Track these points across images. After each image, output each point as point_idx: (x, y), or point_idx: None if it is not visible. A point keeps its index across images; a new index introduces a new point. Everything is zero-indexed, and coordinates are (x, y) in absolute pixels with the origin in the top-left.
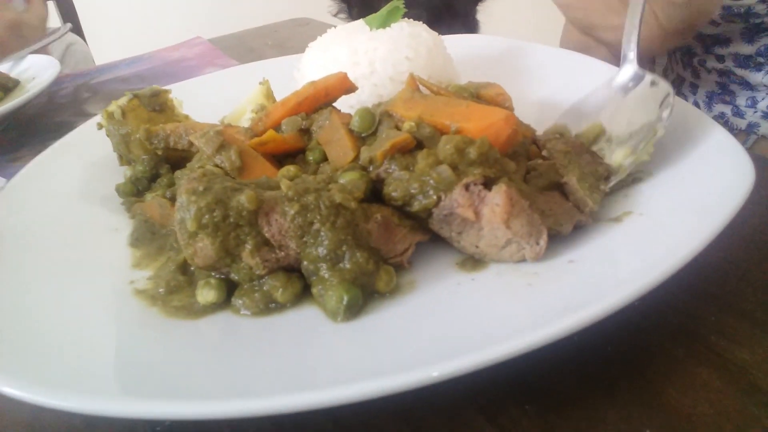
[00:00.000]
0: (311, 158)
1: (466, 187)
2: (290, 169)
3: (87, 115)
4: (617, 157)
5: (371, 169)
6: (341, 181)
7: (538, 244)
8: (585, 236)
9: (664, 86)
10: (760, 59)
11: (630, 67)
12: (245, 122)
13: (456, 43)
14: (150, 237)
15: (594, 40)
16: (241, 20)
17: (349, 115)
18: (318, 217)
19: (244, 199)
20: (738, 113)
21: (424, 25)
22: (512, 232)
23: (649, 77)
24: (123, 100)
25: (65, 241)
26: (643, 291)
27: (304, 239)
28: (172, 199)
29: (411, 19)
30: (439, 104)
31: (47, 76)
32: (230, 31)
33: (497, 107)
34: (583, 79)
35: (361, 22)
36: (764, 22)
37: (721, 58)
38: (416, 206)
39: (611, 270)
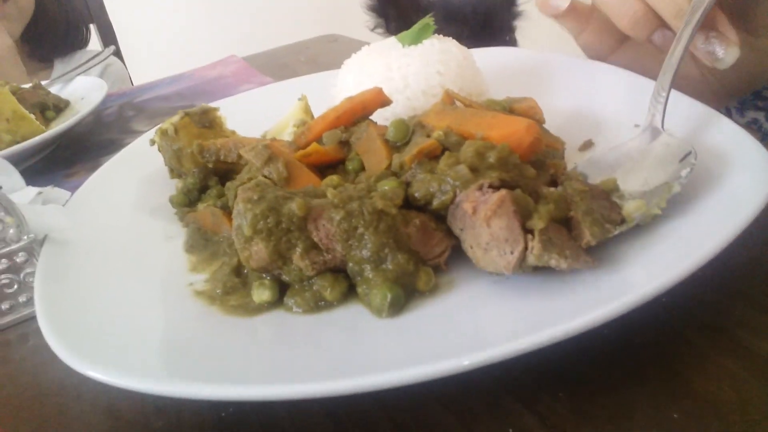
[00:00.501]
0: (350, 167)
1: (480, 187)
2: (333, 178)
3: (133, 133)
4: (628, 208)
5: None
6: (381, 188)
7: (511, 253)
8: (614, 237)
9: (686, 146)
10: None
11: (654, 129)
12: (287, 136)
13: (485, 56)
14: (203, 243)
15: None
16: (273, 39)
17: (386, 127)
18: (362, 222)
19: (294, 207)
20: None
21: (454, 41)
22: (490, 232)
23: (672, 138)
24: (175, 118)
25: (127, 248)
26: (670, 285)
27: (350, 243)
28: (223, 208)
29: (441, 35)
30: (468, 115)
31: (96, 96)
32: (263, 49)
33: (521, 117)
34: (613, 90)
35: (393, 40)
36: None
37: None
38: (435, 203)
39: (640, 266)
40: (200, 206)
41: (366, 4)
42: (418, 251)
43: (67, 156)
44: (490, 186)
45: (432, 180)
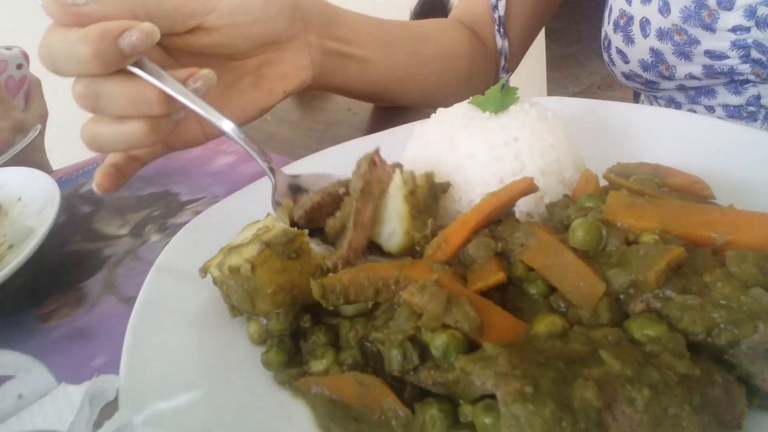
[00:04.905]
0: (533, 291)
1: None
2: (555, 321)
3: (107, 239)
4: None
5: (623, 296)
6: (640, 335)
7: None
8: None
9: None
10: (751, 108)
11: None
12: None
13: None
14: (353, 425)
15: None
16: None
17: (550, 227)
18: (673, 399)
19: (590, 395)
20: None
21: (540, 103)
22: None
23: None
24: (251, 252)
25: None
26: None
27: (658, 429)
28: (355, 367)
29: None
30: (679, 211)
31: (46, 194)
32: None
33: (763, 213)
34: (684, 136)
35: (466, 106)
36: (748, 78)
37: (710, 109)
38: (724, 339)
39: None
40: (313, 364)
41: None
42: (724, 416)
43: (26, 283)
44: None
45: (711, 307)
